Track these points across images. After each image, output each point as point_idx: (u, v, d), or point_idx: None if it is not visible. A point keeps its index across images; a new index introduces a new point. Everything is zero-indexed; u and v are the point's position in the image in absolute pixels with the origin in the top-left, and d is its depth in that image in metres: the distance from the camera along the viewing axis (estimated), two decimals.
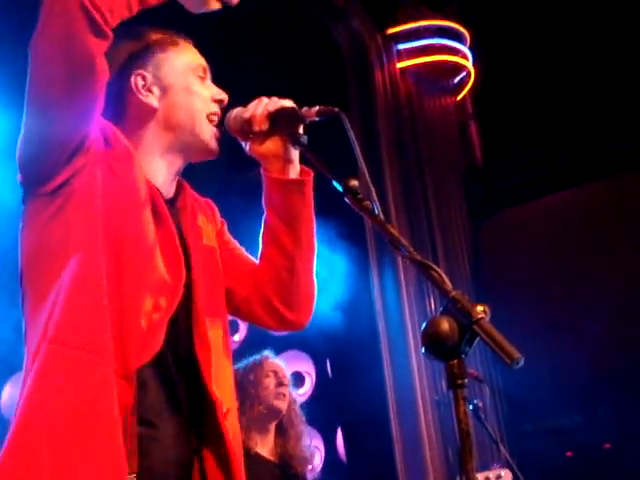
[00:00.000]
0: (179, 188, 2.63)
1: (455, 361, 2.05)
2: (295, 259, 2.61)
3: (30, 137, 2.31)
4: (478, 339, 2.03)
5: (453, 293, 2.07)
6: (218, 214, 2.79)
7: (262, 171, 2.64)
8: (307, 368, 7.41)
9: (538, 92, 7.71)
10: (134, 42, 2.62)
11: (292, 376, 7.20)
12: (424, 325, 2.09)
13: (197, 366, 2.41)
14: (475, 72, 7.99)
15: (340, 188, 2.33)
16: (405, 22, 7.86)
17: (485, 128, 8.25)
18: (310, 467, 4.81)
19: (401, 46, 7.86)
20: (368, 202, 2.27)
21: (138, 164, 2.45)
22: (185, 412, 2.39)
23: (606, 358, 7.37)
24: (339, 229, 5.96)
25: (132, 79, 2.51)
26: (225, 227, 2.80)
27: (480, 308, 2.06)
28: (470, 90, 8.08)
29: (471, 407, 4.23)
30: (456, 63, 7.94)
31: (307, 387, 7.42)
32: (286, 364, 4.82)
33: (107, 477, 2.12)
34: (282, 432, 4.57)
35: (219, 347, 2.52)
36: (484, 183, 8.02)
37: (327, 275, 6.63)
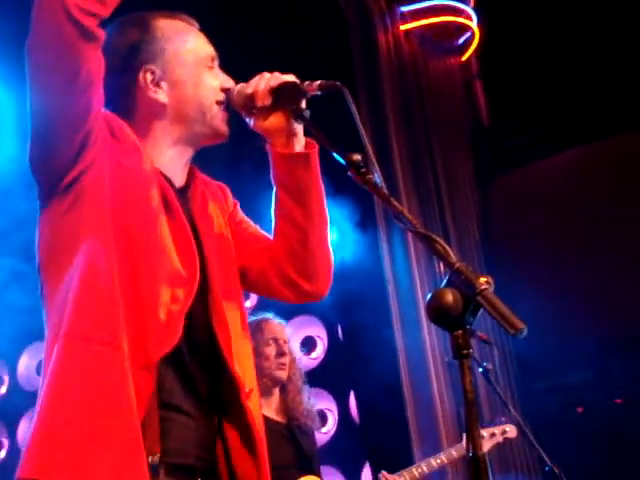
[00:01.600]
0: (190, 176, 2.65)
1: (460, 332, 2.09)
2: (308, 231, 2.63)
3: (35, 139, 2.34)
4: (483, 310, 2.06)
5: (457, 265, 2.11)
6: (230, 197, 2.84)
7: (268, 146, 2.66)
8: (319, 332, 7.45)
9: (542, 51, 7.70)
10: (139, 31, 2.59)
11: (303, 340, 7.32)
12: (428, 297, 2.13)
13: (218, 351, 2.45)
14: (479, 32, 7.97)
15: (343, 162, 2.36)
16: None
17: (490, 88, 8.22)
18: (314, 421, 4.85)
19: (404, 8, 7.85)
20: (371, 176, 2.31)
21: (147, 157, 2.47)
22: (204, 396, 2.43)
23: (615, 318, 7.38)
24: (349, 198, 5.99)
25: (140, 75, 2.53)
26: (238, 208, 2.84)
27: (483, 279, 2.10)
28: (475, 50, 8.06)
29: (481, 370, 4.25)
30: (460, 23, 7.93)
31: (319, 351, 7.46)
32: (289, 327, 4.83)
33: (125, 465, 2.16)
34: (283, 390, 4.67)
35: (238, 327, 2.56)
36: (490, 143, 8.00)
37: (335, 240, 6.67)
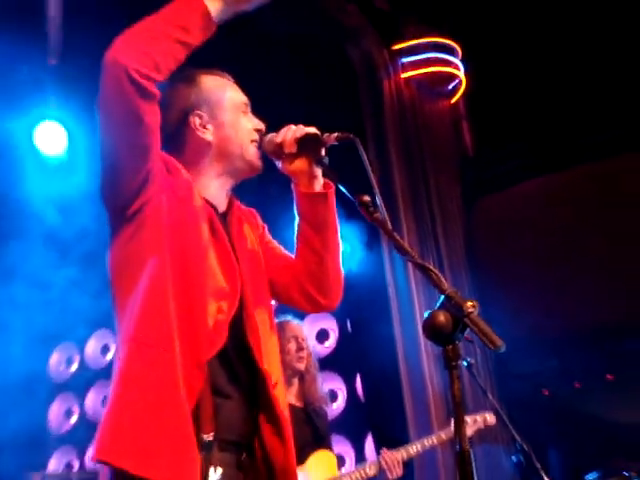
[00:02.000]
0: (230, 203, 2.66)
1: (450, 346, 2.10)
2: (324, 256, 2.66)
3: (105, 174, 2.40)
4: (469, 329, 2.08)
5: (448, 291, 2.13)
6: (260, 220, 2.86)
7: (293, 186, 2.68)
8: (331, 325, 7.47)
9: (518, 95, 7.70)
10: (188, 86, 2.64)
11: (318, 332, 7.33)
12: (425, 317, 2.14)
13: (250, 350, 2.46)
14: (466, 80, 7.97)
15: (355, 202, 2.38)
16: (408, 39, 7.87)
17: (475, 125, 8.21)
18: (327, 404, 4.87)
19: (405, 59, 7.86)
20: (379, 214, 2.33)
21: (197, 190, 2.50)
22: (245, 386, 2.45)
23: (576, 317, 7.38)
24: (359, 221, 5.99)
25: (191, 119, 2.57)
26: (266, 230, 2.87)
27: (470, 303, 2.12)
28: (462, 94, 8.06)
29: (465, 364, 4.23)
30: (450, 73, 7.93)
31: (331, 341, 7.49)
32: (305, 325, 4.84)
33: (178, 448, 2.20)
34: (301, 379, 4.64)
35: (266, 328, 2.58)
36: (475, 171, 7.99)
37: (347, 251, 6.69)
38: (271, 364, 2.51)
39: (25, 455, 7.12)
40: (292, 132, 2.59)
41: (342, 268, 2.76)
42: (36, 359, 8.34)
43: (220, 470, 2.35)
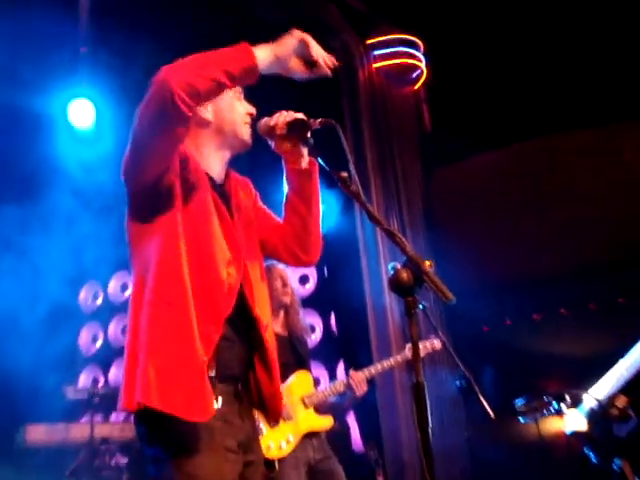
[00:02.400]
0: (226, 175, 2.66)
1: (410, 298, 2.13)
2: (308, 221, 2.68)
3: (130, 157, 2.36)
4: (425, 284, 2.10)
5: (410, 253, 2.15)
6: (253, 188, 2.84)
7: (283, 162, 2.70)
8: (311, 272, 7.50)
9: (470, 83, 7.69)
10: None
11: (300, 277, 7.34)
12: (390, 274, 2.16)
13: (245, 299, 2.49)
14: (426, 70, 7.94)
15: (334, 177, 2.40)
16: (379, 35, 7.81)
17: (433, 108, 8.20)
18: (308, 334, 4.89)
19: (376, 52, 7.81)
20: (354, 186, 2.35)
21: (202, 174, 2.51)
22: (241, 330, 2.48)
23: (511, 267, 7.45)
24: (336, 191, 5.97)
25: None
26: (258, 197, 2.87)
27: (427, 263, 2.14)
28: (423, 82, 8.03)
29: (422, 307, 4.24)
30: (413, 64, 7.89)
31: (311, 284, 7.54)
32: (289, 270, 4.80)
33: (197, 388, 2.23)
34: (286, 312, 4.63)
35: (258, 280, 2.60)
36: (433, 147, 7.99)
37: (326, 214, 6.69)
38: (262, 310, 2.54)
39: (60, 372, 7.15)
40: (283, 117, 2.62)
41: (321, 231, 2.79)
42: (68, 294, 8.34)
43: (221, 398, 2.37)
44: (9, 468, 6.17)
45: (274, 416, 2.61)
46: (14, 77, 5.91)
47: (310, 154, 2.68)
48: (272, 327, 2.62)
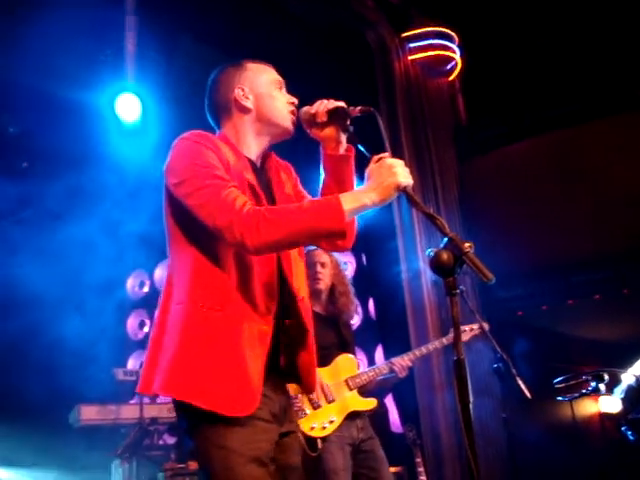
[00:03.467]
0: (266, 157, 2.69)
1: (450, 278, 2.13)
2: None
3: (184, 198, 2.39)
4: (465, 265, 2.10)
5: (450, 234, 2.15)
6: (294, 172, 2.85)
7: (321, 149, 2.70)
8: (349, 259, 7.50)
9: (503, 74, 7.64)
10: (235, 68, 2.68)
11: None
12: (431, 256, 2.16)
13: (283, 271, 2.50)
14: (461, 61, 7.88)
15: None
16: (415, 28, 7.77)
17: (468, 99, 8.14)
18: (352, 317, 4.77)
19: (412, 44, 7.78)
20: None
21: (243, 160, 2.55)
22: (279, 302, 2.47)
23: (548, 251, 7.38)
24: None
25: (235, 91, 2.61)
26: (298, 181, 2.86)
27: (467, 244, 2.14)
28: (458, 74, 7.97)
29: (459, 291, 4.22)
30: (448, 56, 7.85)
31: (349, 271, 7.52)
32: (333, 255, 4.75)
33: (236, 384, 2.26)
34: (332, 293, 4.56)
35: (296, 256, 2.61)
36: (467, 136, 7.94)
37: None
38: (299, 283, 2.56)
39: (111, 355, 7.25)
40: (324, 105, 2.61)
41: (356, 217, 2.79)
42: (117, 282, 8.46)
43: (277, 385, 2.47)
44: (63, 446, 6.30)
45: (308, 386, 2.61)
46: (65, 73, 6.00)
47: (349, 141, 2.69)
48: (307, 300, 2.64)
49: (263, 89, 2.63)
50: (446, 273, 2.15)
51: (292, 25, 6.91)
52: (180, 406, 2.29)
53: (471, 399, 2.05)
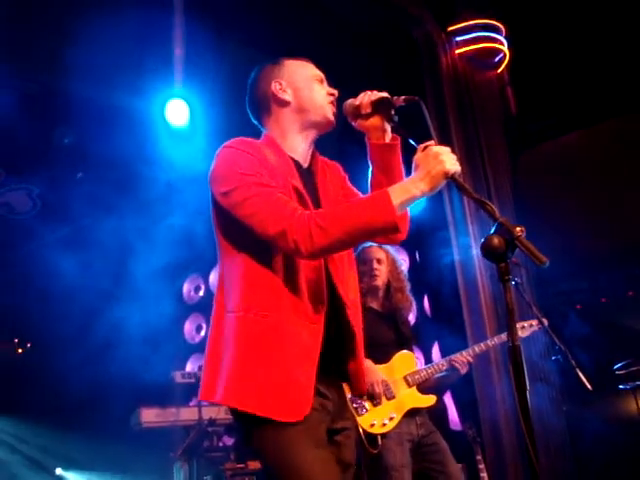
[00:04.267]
0: (312, 157, 2.66)
1: (503, 264, 2.08)
2: None
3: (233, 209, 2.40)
4: (518, 249, 2.05)
5: (501, 219, 2.10)
6: (342, 171, 2.84)
7: (366, 139, 2.68)
8: (403, 256, 7.45)
9: (552, 64, 7.50)
10: (274, 65, 2.69)
11: None
12: (482, 241, 2.12)
13: (330, 275, 2.49)
14: (509, 53, 7.77)
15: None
16: (460, 22, 7.68)
17: (517, 91, 8.03)
18: (410, 312, 4.77)
19: (458, 38, 7.69)
20: None
21: (287, 161, 2.55)
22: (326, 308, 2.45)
23: (605, 243, 7.26)
24: None
25: (273, 85, 2.61)
26: (347, 179, 2.85)
27: (519, 228, 2.09)
28: (506, 66, 7.86)
29: (514, 283, 4.17)
30: (496, 48, 7.72)
31: (403, 268, 7.45)
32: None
33: (292, 390, 2.29)
34: (388, 290, 4.55)
35: (344, 262, 2.59)
36: (518, 128, 7.84)
37: None
38: (347, 289, 2.54)
39: (169, 359, 7.36)
40: (368, 96, 2.61)
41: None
42: (172, 287, 8.57)
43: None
44: (125, 447, 6.40)
45: (357, 390, 2.60)
46: (115, 82, 6.10)
47: (394, 131, 2.66)
48: (357, 306, 2.62)
49: (301, 83, 2.63)
50: (498, 258, 2.10)
51: (336, 25, 6.92)
52: (237, 414, 2.31)
53: (527, 386, 2.01)
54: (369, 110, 2.61)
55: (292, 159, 2.56)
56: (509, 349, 2.02)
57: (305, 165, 2.63)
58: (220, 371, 2.31)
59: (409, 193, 2.26)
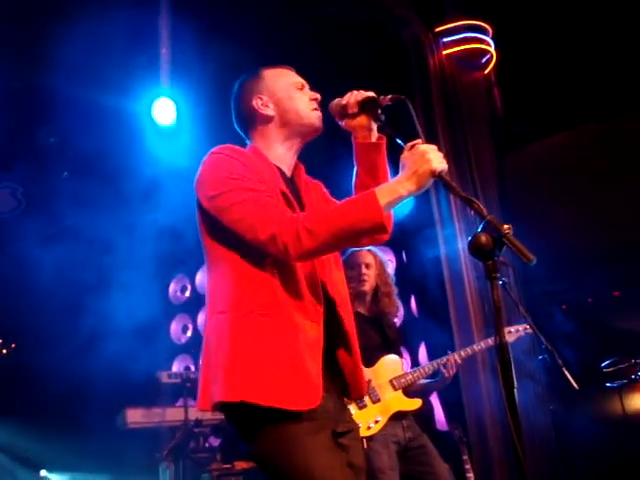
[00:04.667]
0: (296, 169, 2.67)
1: (490, 262, 2.09)
2: None
3: (218, 213, 2.41)
4: (505, 247, 2.05)
5: (489, 217, 2.10)
6: (323, 188, 2.85)
7: (352, 138, 2.68)
8: (390, 257, 7.45)
9: (538, 66, 7.52)
10: (253, 79, 2.68)
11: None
12: (470, 239, 2.12)
13: (320, 278, 2.47)
14: (496, 54, 7.80)
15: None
16: (448, 23, 7.69)
17: (504, 91, 8.05)
18: (396, 316, 4.82)
19: (445, 39, 7.69)
20: None
21: (272, 170, 2.55)
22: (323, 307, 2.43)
23: (590, 243, 7.28)
24: None
25: (254, 102, 2.60)
26: (328, 194, 2.85)
27: (506, 226, 2.09)
28: (493, 66, 7.88)
29: (501, 283, 4.17)
30: (483, 49, 7.74)
31: (390, 269, 7.42)
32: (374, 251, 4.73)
33: (291, 379, 2.25)
34: (375, 295, 4.57)
35: (332, 265, 2.60)
36: (504, 129, 7.86)
37: None
38: (337, 291, 2.55)
39: (154, 359, 7.33)
40: (354, 96, 2.63)
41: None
42: (159, 288, 8.54)
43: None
44: (111, 448, 6.37)
45: (357, 391, 2.57)
46: (101, 81, 6.08)
47: (381, 131, 2.67)
48: (347, 306, 2.62)
49: (282, 93, 2.62)
50: (485, 256, 2.10)
51: (323, 25, 6.91)
52: (235, 411, 2.25)
53: (515, 384, 2.01)
54: (355, 110, 2.62)
55: (277, 167, 2.56)
56: (497, 346, 2.02)
57: (289, 174, 2.63)
58: (214, 374, 2.26)
59: (396, 193, 2.25)
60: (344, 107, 2.63)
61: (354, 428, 2.56)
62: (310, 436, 2.21)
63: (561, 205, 7.36)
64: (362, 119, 2.62)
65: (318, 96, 2.67)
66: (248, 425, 2.25)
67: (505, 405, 1.96)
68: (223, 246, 2.39)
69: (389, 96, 2.57)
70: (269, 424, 2.20)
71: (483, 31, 7.76)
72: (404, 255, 7.51)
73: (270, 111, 2.59)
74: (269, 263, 2.33)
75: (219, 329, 2.30)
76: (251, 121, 2.64)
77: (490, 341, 4.68)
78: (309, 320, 2.33)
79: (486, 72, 7.92)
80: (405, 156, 2.32)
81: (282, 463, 2.20)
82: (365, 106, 2.60)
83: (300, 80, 2.69)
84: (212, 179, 2.39)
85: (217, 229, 2.38)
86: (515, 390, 1.98)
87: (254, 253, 2.32)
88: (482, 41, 7.75)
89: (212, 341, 2.32)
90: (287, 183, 2.54)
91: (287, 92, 2.62)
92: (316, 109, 2.63)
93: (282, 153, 2.61)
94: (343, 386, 2.55)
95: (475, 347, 4.69)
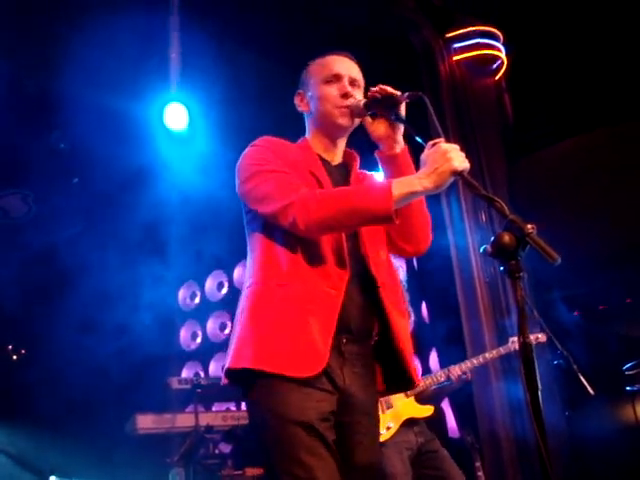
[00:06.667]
0: (349, 157, 2.76)
1: (513, 262, 2.04)
2: (405, 211, 2.49)
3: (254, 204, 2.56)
4: (529, 246, 2.01)
5: (511, 216, 2.06)
6: (373, 178, 2.90)
7: (376, 153, 2.67)
8: (400, 263, 7.39)
9: (550, 72, 7.50)
10: (303, 73, 2.81)
11: None
12: (493, 238, 2.07)
13: (366, 260, 2.51)
14: (507, 60, 7.76)
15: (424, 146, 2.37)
16: (459, 28, 7.67)
17: (515, 98, 8.02)
18: (410, 318, 4.75)
19: (456, 45, 7.67)
20: None
21: (312, 157, 2.68)
22: (362, 289, 2.51)
23: (602, 248, 7.24)
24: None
25: (295, 98, 2.80)
26: None
27: (529, 225, 2.04)
28: (504, 73, 7.85)
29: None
30: (494, 55, 7.72)
31: (401, 275, 7.38)
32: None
33: (303, 350, 2.32)
34: None
35: (376, 249, 2.59)
36: (515, 135, 7.83)
37: None
38: (379, 270, 2.55)
39: (165, 366, 7.31)
40: (372, 92, 2.61)
41: (429, 219, 2.72)
42: (168, 295, 8.52)
43: (349, 357, 2.45)
44: (121, 454, 6.34)
45: (403, 376, 2.58)
46: (114, 84, 6.08)
47: (397, 120, 2.62)
48: (392, 289, 2.60)
49: (315, 91, 2.68)
50: (508, 256, 2.06)
51: (334, 31, 6.89)
52: (239, 376, 2.35)
53: (539, 386, 1.97)
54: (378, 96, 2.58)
55: (319, 155, 2.65)
56: (520, 346, 1.99)
57: (336, 163, 2.70)
58: (235, 342, 2.39)
59: (411, 187, 2.27)
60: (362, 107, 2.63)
61: (367, 423, 2.52)
62: (293, 410, 2.26)
63: (572, 211, 7.33)
64: (386, 127, 2.60)
65: (348, 90, 2.65)
66: (251, 389, 2.35)
67: (529, 408, 1.92)
68: (254, 227, 2.52)
69: (406, 93, 2.56)
70: (264, 391, 2.30)
71: (494, 37, 7.74)
72: (415, 261, 7.46)
73: (305, 107, 2.73)
74: (293, 237, 2.39)
75: (242, 302, 2.44)
76: (301, 114, 2.80)
77: (502, 350, 4.66)
78: (330, 287, 2.36)
79: (497, 78, 7.90)
80: (426, 154, 2.33)
81: (262, 429, 2.31)
82: (384, 102, 2.57)
83: (335, 72, 2.67)
84: (243, 167, 2.54)
85: (248, 211, 2.56)
86: (539, 392, 1.94)
87: (278, 230, 2.42)
88: (493, 47, 7.72)
89: (237, 314, 2.46)
90: (329, 172, 2.60)
91: (316, 90, 2.68)
92: (342, 106, 2.62)
93: (324, 143, 2.69)
94: (392, 375, 2.59)
95: (487, 356, 4.68)
